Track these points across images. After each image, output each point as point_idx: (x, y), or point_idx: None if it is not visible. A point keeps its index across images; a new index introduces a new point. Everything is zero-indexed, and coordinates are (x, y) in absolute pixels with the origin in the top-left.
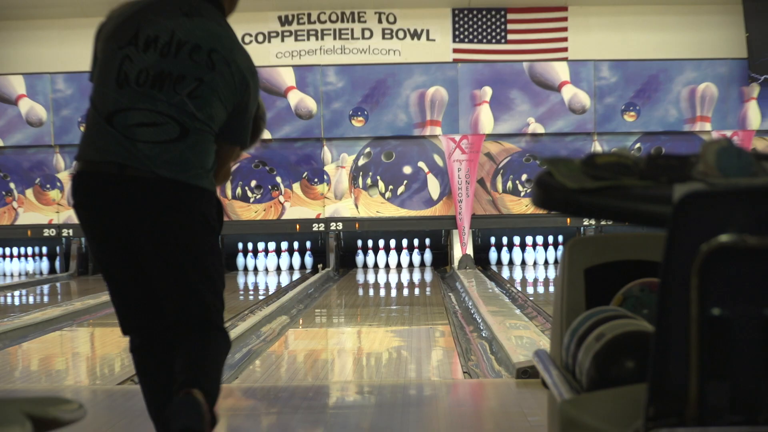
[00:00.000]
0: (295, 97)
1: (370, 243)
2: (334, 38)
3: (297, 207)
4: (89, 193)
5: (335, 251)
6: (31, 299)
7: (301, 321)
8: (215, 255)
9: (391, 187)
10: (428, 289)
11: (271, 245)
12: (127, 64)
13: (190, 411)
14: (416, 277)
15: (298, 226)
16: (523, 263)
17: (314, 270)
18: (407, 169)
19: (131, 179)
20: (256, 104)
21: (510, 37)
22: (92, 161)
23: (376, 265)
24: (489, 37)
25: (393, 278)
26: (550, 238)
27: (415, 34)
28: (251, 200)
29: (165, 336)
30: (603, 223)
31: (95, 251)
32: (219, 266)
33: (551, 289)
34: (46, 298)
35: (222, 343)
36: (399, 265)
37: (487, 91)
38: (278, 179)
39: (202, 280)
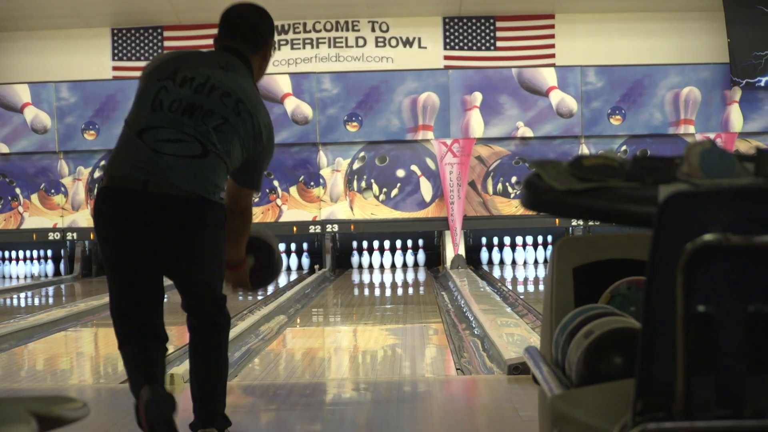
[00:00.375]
0: (291, 104)
1: (365, 244)
2: (329, 46)
3: (294, 210)
4: (114, 206)
5: (331, 252)
6: (36, 301)
7: (298, 320)
8: (222, 252)
9: (384, 189)
10: (422, 288)
11: None
12: (163, 93)
13: None
14: (410, 276)
15: (295, 228)
16: (514, 263)
17: (311, 270)
18: (400, 173)
19: (152, 195)
20: (270, 159)
21: (499, 44)
22: (118, 176)
23: (371, 266)
24: (479, 44)
25: (387, 278)
26: (540, 239)
27: (408, 42)
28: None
29: (157, 332)
30: (591, 223)
31: (111, 258)
32: (223, 259)
33: (541, 287)
34: (51, 300)
35: (226, 324)
36: (393, 266)
37: (478, 97)
38: (275, 183)
39: (214, 278)
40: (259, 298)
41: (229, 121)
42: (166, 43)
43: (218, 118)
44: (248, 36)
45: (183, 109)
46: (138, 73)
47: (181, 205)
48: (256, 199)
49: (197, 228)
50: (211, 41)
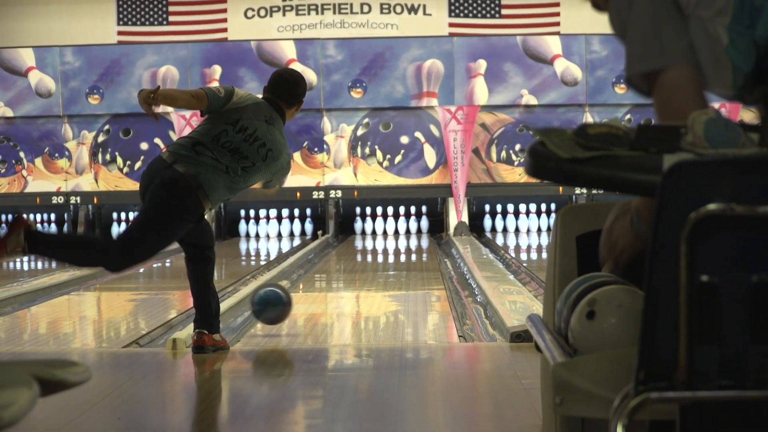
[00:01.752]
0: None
1: (368, 210)
2: (334, 13)
3: (297, 175)
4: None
5: (334, 218)
6: (39, 265)
7: (301, 286)
8: (161, 217)
9: (388, 156)
10: (425, 255)
11: (272, 212)
12: (224, 135)
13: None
14: (413, 243)
15: (298, 194)
16: (517, 230)
17: (314, 236)
18: (404, 139)
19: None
20: (287, 172)
21: (504, 11)
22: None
23: (374, 232)
24: (483, 11)
25: (390, 245)
26: (543, 206)
27: (412, 9)
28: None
29: None
30: (594, 191)
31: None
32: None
33: (544, 255)
34: (53, 264)
35: (116, 253)
36: (396, 232)
37: (482, 64)
38: None
39: (140, 220)
40: (262, 263)
41: (256, 164)
42: (171, 8)
43: (249, 162)
44: (288, 97)
45: (230, 150)
46: (142, 38)
47: (182, 181)
48: None
49: (168, 197)
50: (215, 7)
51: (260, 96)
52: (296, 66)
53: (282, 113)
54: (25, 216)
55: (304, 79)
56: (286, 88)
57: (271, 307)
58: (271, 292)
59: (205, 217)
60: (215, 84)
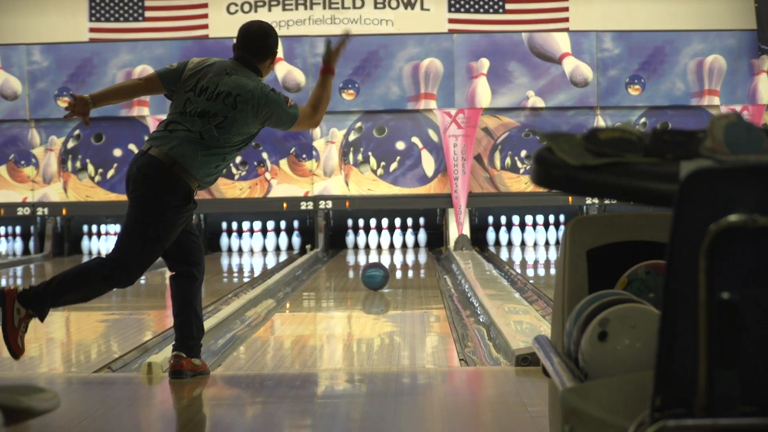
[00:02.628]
0: (282, 70)
1: (361, 222)
2: (324, 7)
3: (284, 184)
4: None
5: (324, 231)
6: (3, 281)
7: (288, 305)
8: (151, 218)
9: (383, 163)
10: (422, 271)
11: (257, 225)
12: (188, 103)
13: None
14: (410, 258)
15: (285, 205)
16: (523, 244)
17: (302, 251)
18: (400, 145)
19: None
20: (282, 104)
21: (508, 6)
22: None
23: (367, 246)
24: (486, 6)
25: (385, 260)
26: (551, 218)
27: (409, 4)
28: (236, 177)
29: None
30: (606, 202)
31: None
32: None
33: (552, 271)
34: (19, 281)
35: (108, 268)
36: (392, 246)
37: (485, 63)
38: (264, 155)
39: (129, 227)
40: (245, 280)
41: (228, 116)
42: (148, 3)
43: (220, 118)
44: (258, 51)
45: (198, 115)
46: (116, 36)
47: (156, 163)
48: (243, 173)
49: (144, 186)
50: (195, 2)
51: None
52: (283, 66)
53: (256, 70)
54: (5, 286)
55: (275, 30)
56: (254, 41)
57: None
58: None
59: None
60: None
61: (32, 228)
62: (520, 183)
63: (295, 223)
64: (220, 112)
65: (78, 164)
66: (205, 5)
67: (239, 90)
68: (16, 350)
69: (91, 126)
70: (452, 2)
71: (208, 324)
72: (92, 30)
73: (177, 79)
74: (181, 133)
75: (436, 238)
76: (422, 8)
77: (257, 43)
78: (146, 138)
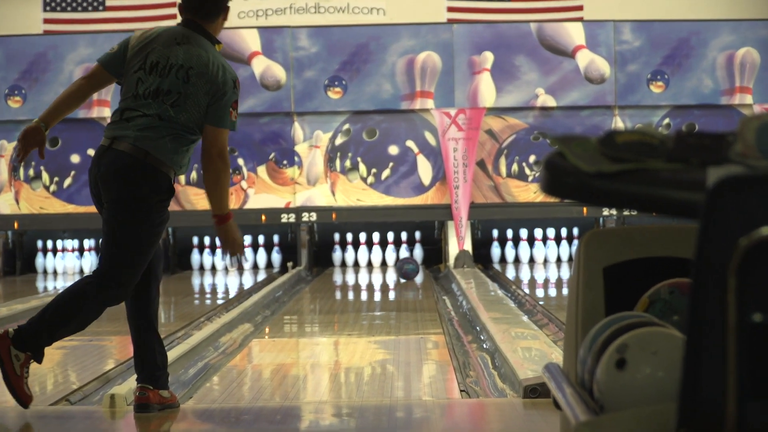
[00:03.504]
0: (260, 65)
1: (349, 237)
2: None
3: (262, 194)
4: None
5: (308, 247)
6: None
7: (267, 330)
8: (145, 223)
9: (374, 170)
10: (419, 291)
11: None
12: (140, 84)
13: None
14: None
15: (263, 217)
16: (532, 261)
17: (283, 269)
18: (393, 150)
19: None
20: (236, 96)
21: None
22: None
23: (356, 264)
24: None
25: (377, 279)
26: (563, 231)
27: None
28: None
29: None
30: (625, 213)
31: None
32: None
33: (564, 291)
34: None
35: (104, 288)
36: (384, 264)
37: (488, 57)
38: (240, 161)
39: (117, 234)
40: (219, 302)
41: (182, 92)
42: None
43: (174, 95)
44: (205, 11)
45: (151, 95)
46: (74, 27)
47: (127, 159)
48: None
49: (125, 188)
50: None
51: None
52: (261, 60)
53: (205, 33)
54: None
55: None
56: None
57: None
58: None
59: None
60: None
61: None
62: (529, 192)
63: (275, 238)
64: (173, 89)
65: (31, 172)
66: None
67: (192, 62)
68: (25, 399)
69: None
70: None
71: (177, 351)
72: (47, 21)
73: (122, 61)
74: (139, 120)
75: (434, 255)
76: None
77: (201, 1)
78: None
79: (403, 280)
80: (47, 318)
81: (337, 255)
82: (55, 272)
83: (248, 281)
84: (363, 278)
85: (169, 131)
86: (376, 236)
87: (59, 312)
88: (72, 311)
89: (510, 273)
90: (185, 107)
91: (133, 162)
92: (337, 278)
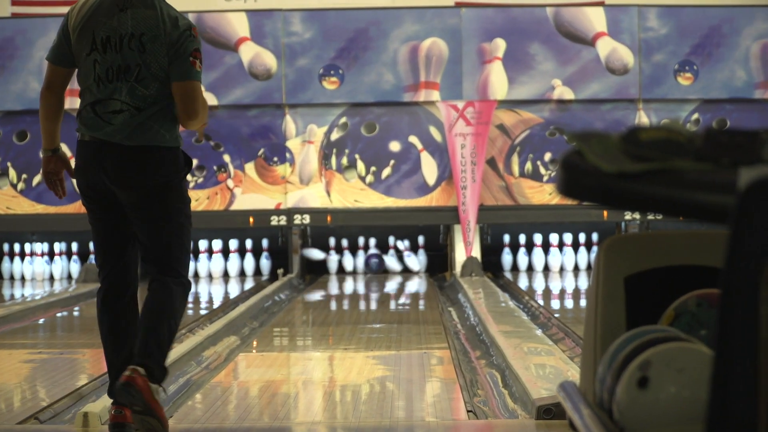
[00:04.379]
0: (248, 52)
1: (345, 242)
2: None
3: (250, 194)
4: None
5: (300, 252)
6: None
7: (255, 343)
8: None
9: (373, 169)
10: (422, 302)
11: (217, 244)
12: (98, 66)
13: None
14: (407, 286)
15: (251, 220)
16: (546, 269)
17: (273, 276)
18: (395, 146)
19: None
20: (191, 47)
21: None
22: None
23: (354, 271)
24: None
25: (375, 288)
26: (582, 237)
27: None
28: (191, 185)
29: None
30: (649, 217)
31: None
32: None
33: (582, 303)
34: None
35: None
36: (384, 271)
37: (500, 45)
38: (226, 158)
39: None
40: (202, 312)
41: (141, 64)
42: None
43: (133, 71)
44: None
45: (116, 75)
46: (44, 10)
47: (137, 152)
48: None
49: (150, 172)
50: None
51: None
52: (249, 47)
53: None
54: (131, 378)
55: None
56: None
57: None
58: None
59: None
60: None
61: None
62: (544, 194)
63: (264, 243)
64: (131, 62)
65: None
66: None
67: (141, 27)
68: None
69: (12, 121)
70: None
71: None
72: (15, 3)
73: (69, 49)
74: (118, 119)
75: (439, 262)
76: None
77: None
78: (85, 130)
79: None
80: (166, 338)
81: (332, 261)
82: (22, 278)
83: (234, 290)
84: (360, 287)
85: (153, 116)
86: (373, 241)
87: (171, 328)
88: (175, 322)
89: (522, 282)
90: (152, 77)
91: (144, 150)
92: (333, 287)
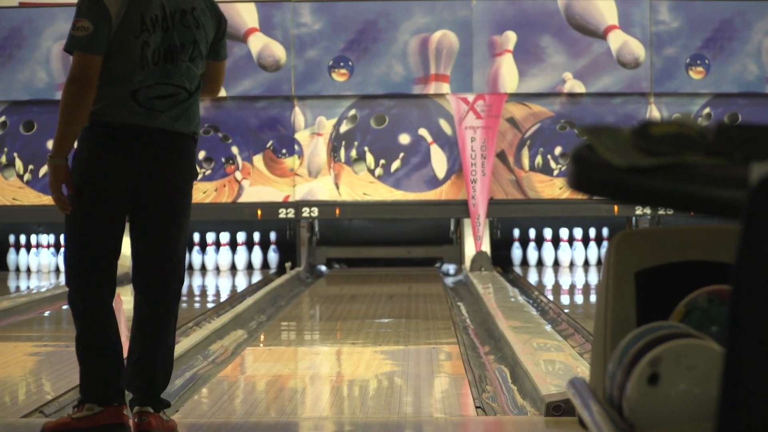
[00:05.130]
0: (257, 43)
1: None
2: None
3: (259, 186)
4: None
5: (308, 245)
6: None
7: (262, 337)
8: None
9: (382, 161)
10: (431, 297)
11: (224, 237)
12: (147, 48)
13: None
14: (416, 281)
15: (260, 212)
16: (556, 264)
17: (280, 270)
18: (404, 138)
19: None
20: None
21: None
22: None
23: (363, 265)
24: None
25: (384, 282)
26: (592, 232)
27: None
28: (199, 177)
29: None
30: (660, 212)
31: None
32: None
33: (592, 298)
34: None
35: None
36: (392, 265)
37: (511, 38)
38: (234, 150)
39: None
40: (209, 306)
41: (196, 41)
42: None
43: (189, 48)
44: None
45: (164, 57)
46: None
47: (177, 141)
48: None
49: (183, 167)
50: None
51: None
52: (258, 38)
53: None
54: (148, 420)
55: None
56: None
57: None
58: None
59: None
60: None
61: None
62: (554, 188)
63: (272, 236)
64: (186, 39)
65: (3, 159)
66: None
67: (190, 1)
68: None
69: (19, 111)
70: None
71: None
72: None
73: (107, 37)
74: (166, 102)
75: (449, 256)
76: None
77: None
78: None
79: None
80: (167, 355)
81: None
82: (28, 270)
83: (242, 283)
84: (368, 281)
85: (197, 99)
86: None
87: (169, 340)
88: (173, 330)
89: (532, 277)
90: (200, 56)
91: (182, 141)
92: (341, 281)
